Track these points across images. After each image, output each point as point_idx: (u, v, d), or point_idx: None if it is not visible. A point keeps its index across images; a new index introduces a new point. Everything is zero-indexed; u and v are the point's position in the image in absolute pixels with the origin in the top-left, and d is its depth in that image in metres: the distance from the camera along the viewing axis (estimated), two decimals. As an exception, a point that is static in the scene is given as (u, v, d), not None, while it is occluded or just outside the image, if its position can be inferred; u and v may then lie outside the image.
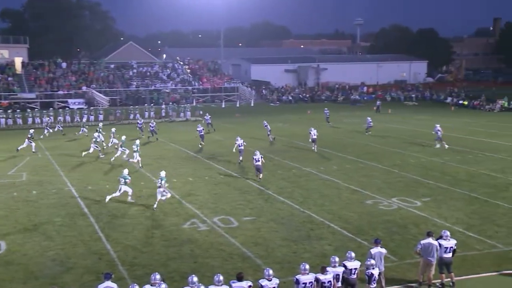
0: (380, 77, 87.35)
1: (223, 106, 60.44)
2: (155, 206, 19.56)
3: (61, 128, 39.34)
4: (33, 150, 30.68)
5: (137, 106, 50.63)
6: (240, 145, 27.88)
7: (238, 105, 61.27)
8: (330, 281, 11.23)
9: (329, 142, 34.19)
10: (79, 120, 45.29)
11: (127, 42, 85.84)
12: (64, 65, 66.28)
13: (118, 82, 65.07)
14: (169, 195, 20.19)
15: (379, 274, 12.38)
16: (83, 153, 29.47)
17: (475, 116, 49.52)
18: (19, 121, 45.16)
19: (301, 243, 15.97)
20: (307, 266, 11.17)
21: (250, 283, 11.01)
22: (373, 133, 37.15)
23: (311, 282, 11.05)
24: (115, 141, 31.52)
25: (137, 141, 28.28)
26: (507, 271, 13.90)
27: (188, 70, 71.71)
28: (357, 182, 23.28)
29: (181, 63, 73.47)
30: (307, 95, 69.53)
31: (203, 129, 34.06)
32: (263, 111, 53.77)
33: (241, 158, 27.60)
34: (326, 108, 44.68)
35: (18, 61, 65.40)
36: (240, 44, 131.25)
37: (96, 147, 29.84)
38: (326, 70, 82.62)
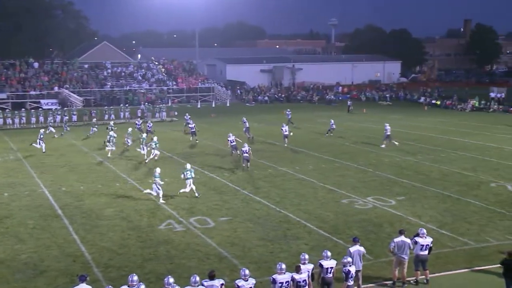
0: (355, 77, 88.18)
1: (198, 106, 60.24)
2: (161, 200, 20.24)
3: (68, 129, 38.99)
4: (43, 150, 30.51)
5: (111, 107, 50.11)
6: (232, 141, 28.69)
7: (213, 105, 61.15)
8: (305, 280, 11.30)
9: (305, 142, 34.38)
10: (52, 121, 44.64)
11: (101, 42, 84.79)
12: (36, 65, 65.13)
13: (92, 83, 64.29)
14: (157, 193, 20.49)
15: (357, 272, 12.51)
16: (109, 154, 29.53)
17: (447, 115, 50.36)
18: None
19: (277, 243, 16.02)
20: (284, 266, 11.21)
21: (222, 281, 11.01)
22: (349, 133, 37.43)
23: (288, 281, 11.08)
24: (129, 140, 31.88)
25: (155, 138, 29.11)
26: (478, 267, 14.18)
27: (163, 69, 71.26)
28: (332, 182, 23.46)
29: (156, 63, 72.98)
30: (283, 95, 69.77)
31: (195, 126, 35.09)
32: (239, 111, 53.73)
33: (233, 152, 28.65)
34: (288, 109, 44.40)
35: (-13, 61, 64.11)
36: (215, 44, 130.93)
37: (112, 146, 29.90)
38: (301, 70, 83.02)
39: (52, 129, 37.36)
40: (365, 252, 12.88)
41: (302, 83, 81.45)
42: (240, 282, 10.85)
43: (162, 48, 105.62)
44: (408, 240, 13.07)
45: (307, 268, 11.67)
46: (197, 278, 10.68)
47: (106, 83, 64.65)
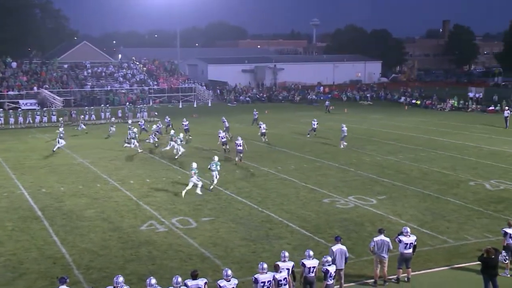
0: (336, 77, 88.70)
1: (180, 106, 60.02)
2: (183, 193, 20.85)
3: (83, 127, 39.48)
4: (54, 149, 30.72)
5: (92, 107, 49.64)
6: (222, 137, 29.71)
7: (195, 106, 60.99)
8: (285, 278, 11.35)
9: (287, 142, 34.49)
10: (31, 121, 44.13)
11: (81, 42, 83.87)
12: (14, 64, 64.20)
13: (72, 83, 63.62)
14: (200, 183, 21.28)
15: (340, 271, 12.59)
16: (139, 151, 30.44)
17: (427, 115, 50.93)
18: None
19: (259, 243, 16.05)
20: (265, 266, 11.22)
21: (205, 280, 11.00)
22: (330, 133, 37.58)
23: (270, 281, 11.10)
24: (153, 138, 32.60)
25: (181, 135, 30.22)
26: (457, 265, 14.38)
27: (144, 68, 70.83)
28: (314, 181, 23.57)
29: (137, 63, 72.50)
30: (265, 95, 69.86)
31: (188, 123, 35.97)
32: (220, 111, 53.59)
33: (225, 148, 29.97)
34: (255, 109, 44.25)
35: (-36, 61, 63.04)
36: (197, 44, 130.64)
37: (133, 143, 30.73)
38: (283, 70, 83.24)
39: (84, 126, 39.40)
40: (346, 251, 12.94)
41: (283, 83, 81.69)
42: (222, 283, 10.84)
43: (143, 48, 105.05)
44: (387, 239, 13.18)
45: (287, 266, 11.74)
46: (179, 279, 10.64)
47: (86, 83, 64.03)
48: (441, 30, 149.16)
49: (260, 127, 33.99)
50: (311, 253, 12.08)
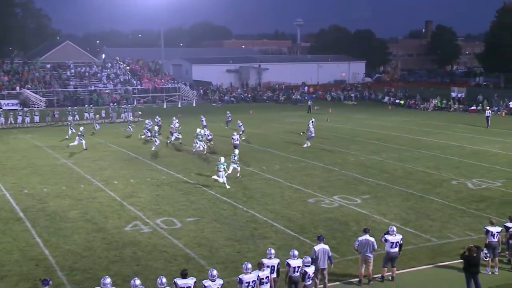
0: (321, 77, 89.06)
1: (164, 106, 59.77)
2: (226, 184, 22.17)
3: (98, 127, 39.62)
4: (84, 147, 31.10)
5: (75, 107, 49.17)
6: (236, 139, 29.87)
7: (180, 106, 60.78)
8: (267, 276, 11.39)
9: (271, 142, 34.51)
10: (13, 121, 43.65)
11: (64, 42, 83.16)
12: (-5, 64, 63.52)
13: (55, 83, 62.98)
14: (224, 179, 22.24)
15: (323, 271, 12.62)
16: (153, 148, 30.89)
17: (411, 115, 51.33)
18: None
19: (244, 243, 16.04)
20: (249, 265, 11.22)
21: (194, 279, 10.98)
22: (315, 133, 37.59)
23: (254, 280, 11.11)
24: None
25: (203, 131, 30.93)
26: (441, 263, 14.52)
27: (127, 68, 70.41)
28: (299, 181, 23.62)
29: (121, 63, 72.02)
30: (249, 95, 69.88)
31: (178, 121, 36.12)
32: (205, 111, 53.48)
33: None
34: (228, 112, 43.89)
35: None
36: (181, 44, 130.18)
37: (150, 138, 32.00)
38: (268, 70, 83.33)
39: (98, 126, 39.85)
40: (329, 250, 12.94)
41: (268, 83, 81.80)
42: (207, 283, 10.82)
43: (127, 48, 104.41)
44: (372, 239, 13.24)
45: (272, 263, 11.78)
46: (164, 280, 10.59)
47: (69, 83, 63.42)
48: (423, 31, 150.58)
49: (240, 126, 34.68)
50: (296, 252, 12.11)
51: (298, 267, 11.87)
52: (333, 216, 18.58)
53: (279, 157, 29.24)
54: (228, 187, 22.14)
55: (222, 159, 22.71)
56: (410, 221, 18.01)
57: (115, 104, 54.58)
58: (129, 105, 52.66)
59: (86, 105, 51.79)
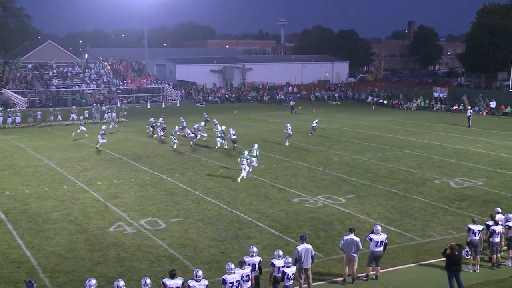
0: (305, 77, 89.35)
1: (148, 107, 59.47)
2: (245, 176, 23.60)
3: (116, 126, 39.84)
4: (98, 144, 31.75)
5: (58, 108, 48.62)
6: (232, 134, 31.31)
7: (163, 106, 60.52)
8: (248, 275, 11.44)
9: (256, 141, 34.41)
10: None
11: (46, 41, 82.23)
12: (-25, 64, 62.59)
13: (37, 83, 62.28)
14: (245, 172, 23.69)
15: (307, 270, 12.66)
16: (174, 146, 31.76)
17: (394, 114, 51.72)
18: None
19: (229, 243, 16.03)
20: (233, 266, 11.23)
21: (183, 279, 10.96)
22: (299, 133, 37.78)
23: (238, 280, 11.13)
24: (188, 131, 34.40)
25: (223, 127, 32.42)
26: (424, 262, 14.66)
27: (108, 67, 69.89)
28: (283, 181, 23.67)
29: (104, 63, 71.47)
30: (233, 95, 69.83)
31: (164, 122, 37.03)
32: (189, 111, 53.40)
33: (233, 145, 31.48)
34: (205, 113, 43.69)
35: None
36: (165, 44, 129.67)
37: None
38: (252, 70, 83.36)
39: (116, 125, 40.10)
40: (312, 249, 12.97)
41: (252, 83, 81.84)
42: (192, 283, 10.80)
43: (110, 48, 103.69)
44: (357, 239, 13.31)
45: (253, 261, 11.83)
46: (148, 281, 10.54)
47: (51, 83, 62.76)
48: (406, 31, 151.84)
49: (230, 133, 33.79)
50: (281, 252, 12.14)
51: (283, 267, 11.90)
52: (317, 216, 18.65)
53: (263, 157, 29.24)
54: (239, 180, 23.39)
55: (246, 153, 24.12)
56: (394, 220, 18.15)
57: (98, 104, 54.15)
58: (113, 106, 52.24)
59: (74, 106, 50.82)
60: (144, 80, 68.09)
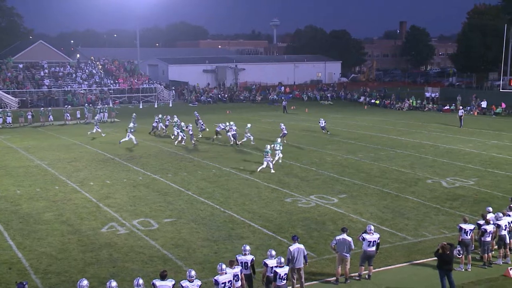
0: (297, 77, 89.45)
1: (140, 107, 59.30)
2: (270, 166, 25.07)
3: (135, 124, 38.63)
4: (135, 142, 32.70)
5: (50, 108, 48.38)
6: (233, 130, 32.78)
7: (156, 106, 60.37)
8: (237, 274, 11.46)
9: (248, 141, 34.47)
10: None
11: (37, 41, 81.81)
12: (-35, 64, 62.11)
13: (28, 83, 61.93)
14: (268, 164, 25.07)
15: (299, 270, 12.67)
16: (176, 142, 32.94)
17: (386, 114, 51.87)
18: None
19: (222, 243, 16.02)
20: (224, 266, 11.23)
21: (173, 281, 10.93)
22: (292, 132, 37.80)
23: (230, 280, 11.13)
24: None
25: (249, 125, 34.08)
26: (416, 261, 14.72)
27: (100, 66, 69.62)
28: (276, 181, 23.69)
29: (96, 63, 71.19)
30: (226, 95, 69.80)
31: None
32: (181, 111, 53.27)
33: (233, 141, 32.71)
34: (196, 112, 43.88)
35: None
36: (157, 44, 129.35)
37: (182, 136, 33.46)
38: (244, 70, 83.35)
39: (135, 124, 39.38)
40: (304, 249, 12.98)
41: (245, 83, 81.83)
42: (185, 283, 10.78)
43: (102, 48, 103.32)
44: (349, 239, 13.34)
45: (246, 259, 11.88)
46: (140, 281, 10.51)
47: (43, 83, 62.41)
48: (398, 31, 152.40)
49: (232, 129, 34.21)
50: (273, 252, 12.15)
51: (275, 267, 11.91)
52: (310, 216, 18.68)
53: (256, 157, 29.26)
54: (273, 171, 25.01)
55: (268, 147, 25.75)
56: (386, 220, 18.21)
57: (90, 104, 53.92)
58: (105, 106, 52.04)
59: (68, 106, 50.45)
60: (137, 80, 67.91)
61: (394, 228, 17.36)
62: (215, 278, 11.13)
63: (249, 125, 33.94)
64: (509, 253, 14.79)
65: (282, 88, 77.40)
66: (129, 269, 14.10)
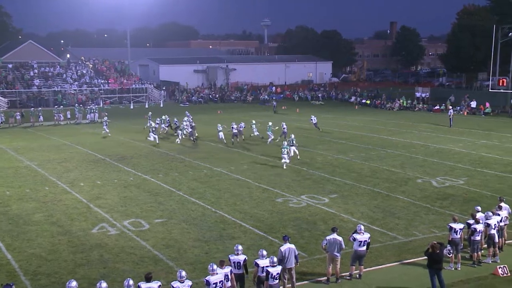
0: (288, 77, 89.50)
1: (131, 107, 59.10)
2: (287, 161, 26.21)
3: (152, 123, 38.51)
4: (157, 141, 33.38)
5: (40, 108, 48.06)
6: (234, 128, 33.65)
7: (147, 106, 60.16)
8: (227, 274, 11.46)
9: (239, 141, 34.47)
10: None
11: (26, 41, 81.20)
12: (-47, 64, 61.55)
13: (18, 83, 61.49)
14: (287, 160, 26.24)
15: (291, 270, 12.69)
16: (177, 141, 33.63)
17: (377, 114, 52.07)
18: None
19: (213, 243, 16.01)
20: (215, 266, 11.23)
21: (159, 283, 10.89)
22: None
23: (221, 281, 11.13)
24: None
25: (254, 121, 35.96)
26: (406, 260, 14.79)
27: (90, 66, 69.28)
28: (267, 181, 23.70)
29: (87, 63, 70.83)
30: (217, 96, 69.72)
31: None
32: (172, 111, 53.09)
33: (233, 138, 33.54)
34: (187, 112, 43.78)
35: None
36: (148, 45, 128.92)
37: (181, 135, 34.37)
38: (235, 70, 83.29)
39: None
40: (295, 249, 12.98)
41: (236, 83, 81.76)
42: (175, 284, 10.77)
43: (92, 48, 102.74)
44: (340, 238, 13.39)
45: (238, 259, 11.89)
46: (131, 282, 10.49)
47: (33, 83, 61.99)
48: (388, 32, 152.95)
49: (232, 127, 34.57)
50: (265, 252, 12.16)
51: (267, 267, 11.92)
52: (301, 216, 18.71)
53: (247, 157, 29.28)
54: (284, 167, 26.00)
55: (285, 143, 27.21)
56: (377, 220, 18.28)
57: (80, 105, 53.63)
58: (95, 106, 51.75)
59: (58, 106, 50.14)
60: (127, 81, 67.65)
61: (385, 228, 17.43)
62: (206, 278, 11.13)
63: (270, 123, 34.81)
64: (498, 252, 14.91)
65: (273, 88, 77.43)
66: (120, 270, 14.05)
